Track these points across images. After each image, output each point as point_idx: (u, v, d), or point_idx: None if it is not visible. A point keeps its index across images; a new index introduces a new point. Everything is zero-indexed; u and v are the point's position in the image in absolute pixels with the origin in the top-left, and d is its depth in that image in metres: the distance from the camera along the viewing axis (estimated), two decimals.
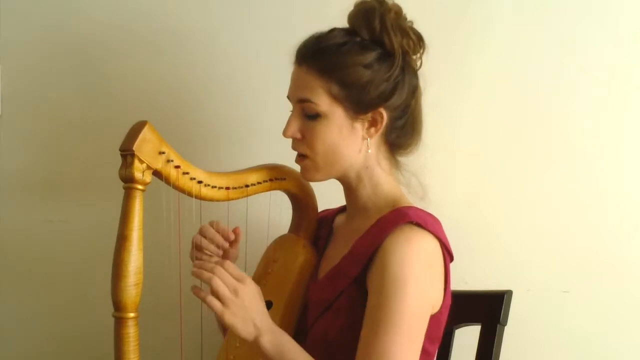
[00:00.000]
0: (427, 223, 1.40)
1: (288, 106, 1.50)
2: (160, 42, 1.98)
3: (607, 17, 1.84)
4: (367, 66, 1.43)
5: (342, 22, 1.49)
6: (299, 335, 1.51)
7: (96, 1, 2.01)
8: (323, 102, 1.43)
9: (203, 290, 1.34)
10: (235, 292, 1.31)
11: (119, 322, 1.34)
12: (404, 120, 1.49)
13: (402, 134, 1.50)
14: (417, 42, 1.49)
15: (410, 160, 1.55)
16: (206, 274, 1.33)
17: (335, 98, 1.43)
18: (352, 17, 1.47)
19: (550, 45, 1.85)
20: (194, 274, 1.35)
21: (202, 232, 1.56)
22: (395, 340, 1.30)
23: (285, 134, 1.49)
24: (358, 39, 1.44)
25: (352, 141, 1.46)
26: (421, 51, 1.50)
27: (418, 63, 1.51)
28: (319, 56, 1.44)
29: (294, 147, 1.51)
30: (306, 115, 1.46)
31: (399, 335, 1.31)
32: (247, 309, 1.32)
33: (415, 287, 1.33)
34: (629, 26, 1.84)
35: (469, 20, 1.86)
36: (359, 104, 1.44)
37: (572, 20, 1.85)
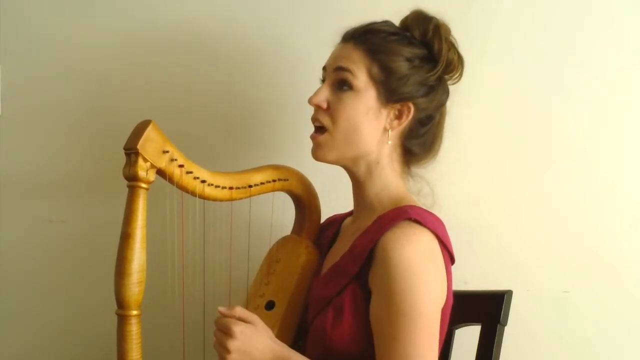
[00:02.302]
0: (426, 221, 1.40)
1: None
2: (163, 40, 1.98)
3: (608, 17, 1.85)
4: (409, 60, 1.48)
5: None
6: (301, 332, 1.51)
7: (96, 1, 2.01)
8: (361, 77, 1.47)
9: None
10: (227, 350, 1.33)
11: (122, 319, 1.35)
12: (425, 130, 1.53)
13: (420, 143, 1.53)
14: (459, 60, 1.55)
15: (425, 171, 1.58)
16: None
17: (372, 79, 1.47)
18: (407, 19, 1.54)
19: (551, 46, 1.86)
20: None
21: None
22: (414, 344, 1.31)
23: (311, 100, 1.50)
24: (408, 34, 1.51)
25: (375, 127, 1.48)
26: (459, 72, 1.56)
27: (452, 82, 1.57)
28: (368, 36, 1.49)
29: (314, 117, 1.52)
30: (339, 85, 1.48)
31: (418, 337, 1.32)
32: (246, 355, 1.34)
33: (422, 284, 1.34)
34: (629, 26, 1.85)
35: (469, 21, 1.87)
36: (392, 92, 1.47)
37: (572, 20, 1.86)
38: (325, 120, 1.49)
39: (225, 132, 1.96)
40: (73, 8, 2.01)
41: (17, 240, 2.03)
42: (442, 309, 1.43)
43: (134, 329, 1.35)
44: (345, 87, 1.47)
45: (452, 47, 1.53)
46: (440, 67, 1.50)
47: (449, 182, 1.84)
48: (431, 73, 1.49)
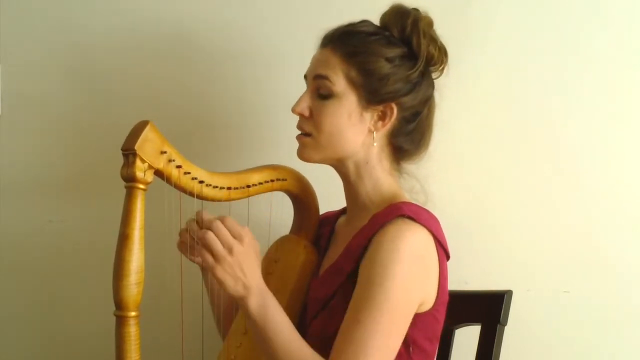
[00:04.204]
0: (420, 217, 1.40)
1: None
2: (161, 41, 1.98)
3: (609, 16, 1.84)
4: (389, 60, 1.46)
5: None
6: (300, 332, 1.51)
7: (96, 1, 2.02)
8: (339, 83, 1.46)
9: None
10: (230, 250, 1.31)
11: (120, 320, 1.34)
12: (413, 126, 1.51)
13: (409, 139, 1.52)
14: (442, 53, 1.52)
15: (416, 167, 1.56)
16: (201, 231, 1.32)
17: (351, 82, 1.46)
18: (386, 15, 1.52)
19: (551, 45, 1.85)
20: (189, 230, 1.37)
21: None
22: (374, 332, 1.31)
23: (294, 109, 1.50)
24: (387, 33, 1.49)
25: (359, 130, 1.48)
26: (443, 65, 1.54)
27: (436, 75, 1.55)
28: (345, 39, 1.48)
29: (299, 125, 1.52)
30: (319, 93, 1.48)
31: (380, 327, 1.31)
32: (238, 267, 1.31)
33: (402, 280, 1.34)
34: (630, 25, 1.84)
35: (469, 21, 1.87)
36: (373, 94, 1.46)
37: (573, 19, 1.85)
38: (309, 128, 1.50)
39: (222, 132, 1.97)
40: (73, 8, 2.02)
41: (17, 240, 2.03)
42: (434, 306, 1.43)
43: (132, 330, 1.34)
44: (325, 94, 1.47)
45: (432, 41, 1.51)
46: (420, 63, 1.48)
47: (449, 182, 1.85)
48: (412, 70, 1.47)
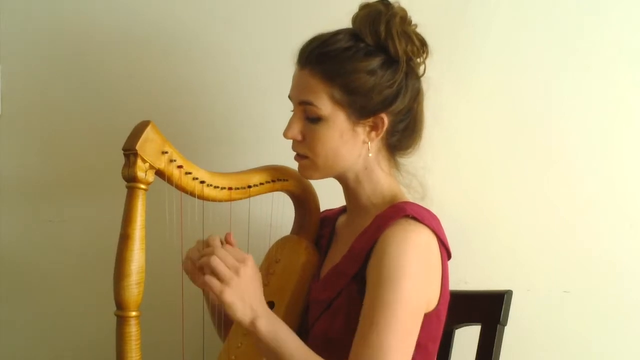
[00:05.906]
0: (423, 217, 1.40)
1: (290, 106, 1.51)
2: (162, 41, 1.98)
3: (607, 17, 1.84)
4: (370, 72, 1.43)
5: (344, 22, 1.49)
6: (301, 335, 1.50)
7: (96, 1, 2.01)
8: (325, 106, 1.44)
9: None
10: (236, 272, 1.31)
11: (121, 320, 1.35)
12: (405, 124, 1.50)
13: (402, 136, 1.51)
14: (421, 47, 1.49)
15: (411, 161, 1.55)
16: (204, 258, 1.32)
17: (337, 103, 1.44)
18: (357, 21, 1.47)
19: (550, 46, 1.85)
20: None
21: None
22: (389, 333, 1.30)
23: (286, 135, 1.49)
24: (362, 45, 1.44)
25: (353, 145, 1.47)
26: (424, 56, 1.50)
27: (422, 67, 1.51)
28: (322, 60, 1.44)
29: (294, 148, 1.51)
30: (308, 118, 1.46)
31: (394, 328, 1.31)
32: (246, 290, 1.32)
33: (411, 280, 1.34)
34: (629, 26, 1.84)
35: (468, 21, 1.87)
36: (361, 109, 1.44)
37: (571, 20, 1.85)
38: (304, 151, 1.49)
39: (224, 132, 1.97)
40: (73, 8, 2.01)
41: (17, 240, 2.03)
42: (438, 306, 1.43)
43: (133, 330, 1.35)
44: (313, 118, 1.45)
45: (409, 40, 1.45)
46: (402, 66, 1.45)
47: (449, 182, 1.85)
48: (396, 75, 1.44)
